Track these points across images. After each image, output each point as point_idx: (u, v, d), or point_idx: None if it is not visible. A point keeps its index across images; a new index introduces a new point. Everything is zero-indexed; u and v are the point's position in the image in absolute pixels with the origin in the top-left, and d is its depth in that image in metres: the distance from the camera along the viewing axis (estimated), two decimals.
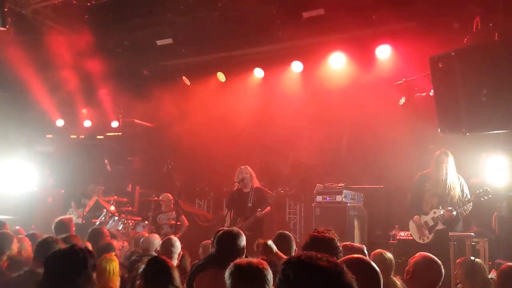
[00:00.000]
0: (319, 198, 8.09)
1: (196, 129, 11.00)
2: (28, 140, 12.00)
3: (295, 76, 9.87)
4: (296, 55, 9.60)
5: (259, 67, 10.11)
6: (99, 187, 10.31)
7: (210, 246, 5.19)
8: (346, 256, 2.86)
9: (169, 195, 9.61)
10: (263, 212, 7.68)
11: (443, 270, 3.73)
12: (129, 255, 6.27)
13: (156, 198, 9.62)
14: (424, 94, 7.58)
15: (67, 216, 7.64)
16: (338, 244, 3.64)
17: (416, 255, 3.86)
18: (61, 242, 4.47)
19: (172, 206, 9.49)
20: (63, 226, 6.19)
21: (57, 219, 6.34)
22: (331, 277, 1.94)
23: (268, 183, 9.35)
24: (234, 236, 4.25)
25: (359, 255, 2.82)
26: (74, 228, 6.55)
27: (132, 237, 8.46)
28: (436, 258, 3.79)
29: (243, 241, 4.26)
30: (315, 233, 3.68)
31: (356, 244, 4.45)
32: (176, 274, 3.49)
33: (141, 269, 3.45)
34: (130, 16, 9.22)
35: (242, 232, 4.33)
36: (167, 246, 5.16)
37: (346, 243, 4.28)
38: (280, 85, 10.08)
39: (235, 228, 4.43)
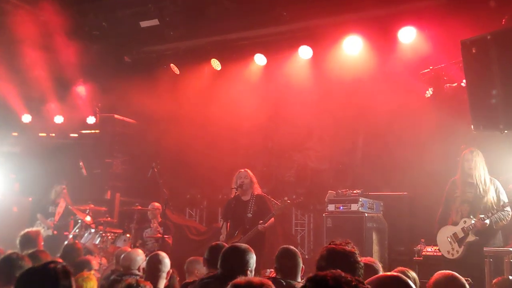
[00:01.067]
0: (331, 207, 8.09)
1: (187, 127, 11.02)
2: None
3: (302, 63, 9.87)
4: (304, 38, 9.59)
5: (260, 52, 10.10)
6: (60, 187, 10.26)
7: (203, 264, 5.18)
8: (379, 275, 2.87)
9: (157, 204, 9.59)
10: (266, 224, 7.65)
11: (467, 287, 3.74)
12: (108, 274, 6.26)
13: (139, 207, 9.62)
14: (454, 84, 7.58)
15: (34, 228, 7.64)
16: (359, 258, 3.64)
17: (435, 274, 3.87)
18: (27, 259, 4.49)
19: (159, 219, 9.44)
20: (29, 240, 6.21)
21: (22, 232, 6.38)
22: None
23: (271, 190, 9.36)
24: (243, 253, 4.25)
25: (393, 273, 2.84)
26: (43, 242, 6.55)
27: (111, 253, 8.45)
28: (458, 275, 3.78)
29: (252, 258, 4.27)
30: (333, 246, 3.67)
31: (367, 258, 4.40)
32: None
33: None
34: None
35: (251, 249, 4.34)
36: (154, 263, 5.13)
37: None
38: (285, 74, 10.09)
39: (243, 244, 4.45)
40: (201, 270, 5.66)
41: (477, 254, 6.40)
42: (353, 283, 1.98)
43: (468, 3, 7.77)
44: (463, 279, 3.77)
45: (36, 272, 3.06)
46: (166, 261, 5.17)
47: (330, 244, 3.74)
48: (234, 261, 4.21)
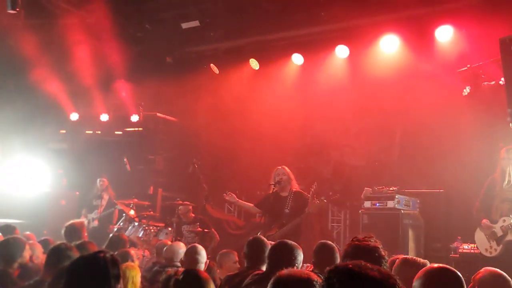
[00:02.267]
0: (367, 204, 8.03)
1: (226, 125, 11.08)
2: (40, 135, 12.33)
3: (339, 62, 9.80)
4: (341, 38, 9.53)
5: (298, 52, 10.10)
6: (100, 180, 10.51)
7: (243, 257, 5.21)
8: (428, 267, 2.94)
9: (187, 203, 9.64)
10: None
11: None
12: (150, 266, 6.36)
13: (180, 202, 9.72)
14: (492, 82, 7.40)
15: (79, 220, 7.80)
16: (383, 253, 3.60)
17: (481, 270, 3.78)
18: (75, 250, 4.59)
19: (191, 215, 9.53)
20: (74, 231, 6.34)
21: (67, 224, 6.50)
22: None
23: (308, 187, 9.30)
24: (291, 249, 4.27)
25: (441, 265, 2.88)
26: (86, 234, 6.70)
27: (154, 245, 8.59)
28: (505, 275, 3.69)
29: (300, 256, 4.29)
30: (357, 242, 3.65)
31: (420, 259, 4.29)
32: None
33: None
34: None
35: (299, 246, 4.36)
36: (192, 254, 5.26)
37: (407, 256, 4.21)
38: (322, 73, 10.03)
39: (289, 241, 4.46)
40: (228, 263, 5.73)
41: None
42: (375, 269, 1.99)
43: (507, 1, 7.57)
44: (509, 279, 3.67)
45: (87, 261, 3.11)
46: (203, 253, 5.35)
47: (352, 240, 3.71)
48: (283, 256, 4.21)
